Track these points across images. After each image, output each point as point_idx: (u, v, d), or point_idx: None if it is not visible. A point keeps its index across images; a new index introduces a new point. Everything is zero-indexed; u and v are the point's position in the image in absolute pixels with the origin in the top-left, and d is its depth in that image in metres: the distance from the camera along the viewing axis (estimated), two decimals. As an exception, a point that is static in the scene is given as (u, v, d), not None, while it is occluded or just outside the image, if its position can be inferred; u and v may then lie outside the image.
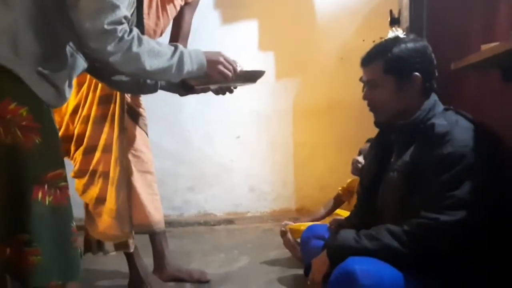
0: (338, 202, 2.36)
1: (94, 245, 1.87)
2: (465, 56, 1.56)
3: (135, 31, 1.08)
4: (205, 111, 3.03)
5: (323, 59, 3.06)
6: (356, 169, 2.13)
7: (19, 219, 1.06)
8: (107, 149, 1.73)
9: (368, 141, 2.20)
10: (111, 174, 1.73)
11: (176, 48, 1.18)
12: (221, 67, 1.28)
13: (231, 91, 1.51)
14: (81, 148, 1.76)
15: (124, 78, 1.32)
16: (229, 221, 3.11)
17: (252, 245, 2.60)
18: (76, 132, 1.77)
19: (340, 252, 1.17)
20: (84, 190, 1.78)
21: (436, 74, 1.30)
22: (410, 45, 1.26)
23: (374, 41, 2.66)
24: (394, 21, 2.45)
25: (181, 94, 1.54)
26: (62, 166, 1.13)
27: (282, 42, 3.05)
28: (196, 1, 1.96)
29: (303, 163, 3.16)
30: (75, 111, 1.77)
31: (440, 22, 1.88)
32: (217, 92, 1.53)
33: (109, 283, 2.08)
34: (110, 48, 1.04)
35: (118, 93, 1.72)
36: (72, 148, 1.79)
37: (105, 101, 1.73)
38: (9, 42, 1.02)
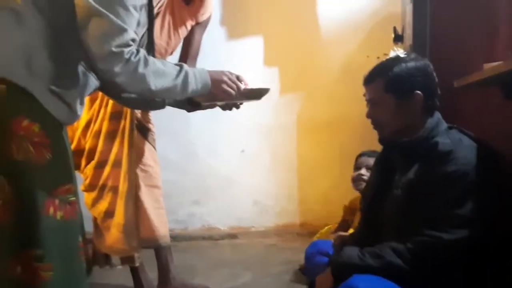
0: (345, 225, 2.34)
1: (101, 259, 1.88)
2: (467, 74, 1.58)
3: (142, 52, 1.11)
4: (210, 125, 3.05)
5: (327, 74, 3.08)
6: (359, 184, 2.13)
7: (30, 234, 1.07)
8: (117, 164, 1.77)
9: (360, 155, 2.22)
10: (120, 189, 1.76)
11: (181, 68, 1.21)
12: (225, 86, 1.32)
13: (237, 107, 1.54)
14: (93, 163, 1.80)
15: (133, 95, 1.35)
16: (233, 236, 3.11)
17: (256, 260, 2.59)
18: (87, 146, 1.81)
19: (344, 269, 1.18)
20: (93, 204, 1.81)
21: (438, 92, 1.31)
22: (411, 64, 1.28)
23: (378, 57, 2.69)
24: (398, 38, 2.48)
25: (188, 110, 1.58)
26: (72, 181, 1.15)
27: (286, 58, 3.09)
28: (206, 22, 2.01)
29: (307, 177, 3.17)
30: (87, 126, 1.81)
31: (443, 40, 1.90)
32: (224, 108, 1.56)
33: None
34: (117, 69, 1.07)
35: (128, 110, 1.76)
36: (83, 162, 1.82)
37: (116, 117, 1.77)
38: (23, 61, 1.06)
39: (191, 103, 1.49)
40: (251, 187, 3.16)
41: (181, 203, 3.11)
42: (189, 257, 2.60)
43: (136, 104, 1.44)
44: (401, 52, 2.09)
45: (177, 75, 1.19)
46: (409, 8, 2.19)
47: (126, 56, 1.06)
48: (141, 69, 1.10)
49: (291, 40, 3.07)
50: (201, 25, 1.98)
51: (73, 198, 1.14)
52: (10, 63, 1.05)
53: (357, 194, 2.26)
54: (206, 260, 2.61)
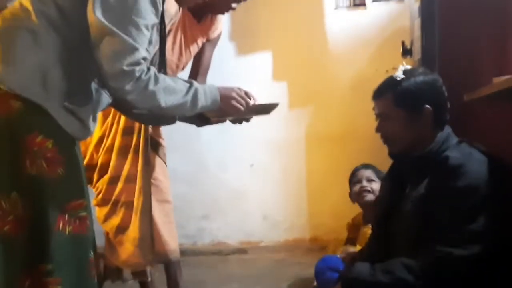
0: (350, 242, 2.32)
1: (113, 273, 1.88)
2: (477, 88, 1.57)
3: (152, 70, 1.13)
4: (220, 139, 3.07)
5: (336, 88, 3.09)
6: (365, 196, 2.11)
7: (41, 249, 1.08)
8: (130, 179, 1.78)
9: (354, 171, 2.21)
10: (135, 204, 1.77)
11: (191, 85, 1.23)
12: (234, 102, 1.33)
13: (247, 120, 1.57)
14: (105, 178, 1.81)
15: (144, 111, 1.37)
16: (243, 251, 3.09)
17: (265, 275, 2.57)
18: (99, 161, 1.83)
19: (354, 285, 1.17)
20: (106, 219, 1.82)
21: (448, 106, 1.31)
22: (419, 78, 1.28)
23: (387, 71, 2.70)
24: (406, 52, 2.48)
25: (198, 125, 1.60)
26: (84, 196, 1.16)
27: (295, 72, 3.10)
28: (217, 39, 2.04)
29: (316, 192, 3.16)
30: (100, 141, 1.83)
31: (452, 54, 1.90)
32: (234, 122, 1.58)
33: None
34: (128, 87, 1.08)
35: (141, 125, 1.78)
36: (95, 177, 1.84)
37: (128, 132, 1.79)
38: (39, 79, 1.08)
39: (201, 118, 1.51)
40: (261, 201, 3.16)
41: (191, 218, 3.11)
42: (198, 272, 2.59)
43: (147, 119, 1.46)
44: (409, 67, 2.10)
45: (187, 92, 1.20)
46: (417, 22, 2.20)
47: (137, 74, 1.08)
48: (151, 86, 1.11)
49: (299, 55, 3.09)
50: (211, 42, 2.01)
51: (84, 213, 1.15)
52: (26, 81, 1.08)
53: (360, 210, 2.24)
54: (216, 275, 2.59)
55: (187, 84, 1.22)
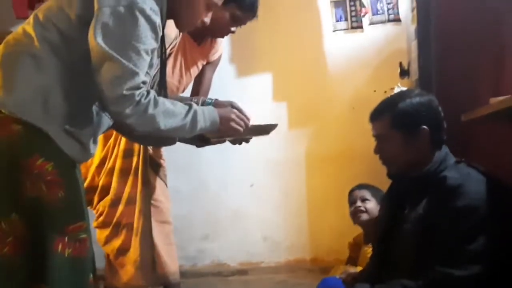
0: (352, 262, 2.31)
1: None
2: (474, 108, 1.59)
3: (152, 93, 1.14)
4: (221, 159, 3.07)
5: (335, 108, 3.11)
6: (360, 217, 2.12)
7: (39, 270, 1.08)
8: (130, 201, 1.79)
9: (350, 191, 2.23)
10: (135, 225, 1.78)
11: (190, 107, 1.24)
12: (233, 124, 1.35)
13: (247, 141, 1.58)
14: (107, 200, 1.82)
15: (144, 133, 1.38)
16: (243, 272, 3.06)
17: (266, 297, 2.54)
18: (100, 183, 1.83)
19: (355, 306, 1.16)
20: (107, 242, 1.82)
21: (445, 126, 1.32)
22: (416, 99, 1.30)
23: (385, 92, 2.73)
24: (404, 73, 2.52)
25: (198, 146, 1.61)
26: (84, 218, 1.17)
27: (294, 93, 3.13)
28: (217, 61, 2.08)
29: (317, 212, 3.14)
30: (101, 163, 1.84)
31: (448, 75, 1.93)
32: (233, 142, 1.60)
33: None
34: (128, 111, 1.10)
35: (140, 147, 1.80)
36: (96, 199, 1.85)
37: (128, 154, 1.80)
38: (41, 103, 1.10)
39: (201, 139, 1.52)
40: (261, 221, 3.14)
41: (191, 239, 3.09)
42: (199, 294, 2.56)
43: (147, 141, 1.48)
44: (405, 88, 2.12)
45: (186, 114, 1.22)
46: (414, 44, 2.24)
47: (137, 98, 1.10)
48: (151, 110, 1.13)
49: (299, 76, 3.13)
50: (211, 64, 2.05)
51: (84, 236, 1.15)
52: (27, 104, 1.09)
53: (361, 230, 2.24)
54: (216, 297, 2.56)
55: (186, 106, 1.24)
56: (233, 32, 1.90)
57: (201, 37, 1.93)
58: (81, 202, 1.18)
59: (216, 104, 1.49)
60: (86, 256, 1.16)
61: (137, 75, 1.09)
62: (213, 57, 2.03)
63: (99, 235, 1.85)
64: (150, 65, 1.23)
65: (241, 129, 1.36)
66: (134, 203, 1.79)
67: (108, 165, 1.83)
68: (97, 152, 1.80)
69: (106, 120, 1.24)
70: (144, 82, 1.12)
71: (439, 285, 1.10)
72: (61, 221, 1.11)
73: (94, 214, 1.87)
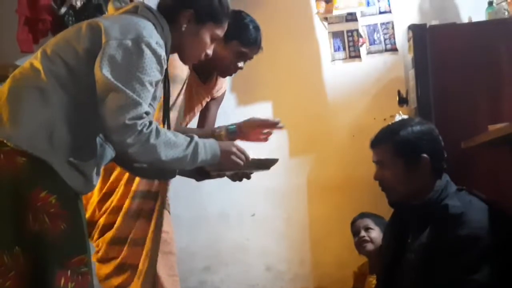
0: None
1: None
2: (473, 135, 1.61)
3: (154, 124, 1.16)
4: (221, 189, 3.06)
5: (336, 136, 3.13)
6: (365, 247, 2.10)
7: None
8: (136, 243, 1.72)
9: (353, 222, 2.22)
10: (140, 267, 1.71)
11: (191, 139, 1.25)
12: (233, 157, 1.36)
13: (248, 177, 1.59)
14: (107, 237, 1.76)
15: (144, 165, 1.38)
16: (246, 303, 3.01)
17: (269, 329, 2.49)
18: (102, 221, 1.76)
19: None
20: (106, 278, 1.77)
21: (445, 154, 1.33)
22: (416, 128, 1.31)
23: (384, 119, 2.75)
24: (403, 101, 2.55)
25: (197, 180, 1.62)
26: (85, 252, 1.16)
27: (295, 122, 3.15)
28: (221, 97, 2.08)
29: (319, 240, 3.11)
30: (104, 198, 1.78)
31: (446, 103, 1.95)
32: (233, 178, 1.62)
33: None
34: (129, 140, 1.11)
35: (160, 190, 1.74)
36: (96, 235, 1.81)
37: (143, 196, 1.73)
38: (45, 136, 1.11)
39: (200, 173, 1.53)
40: (263, 252, 3.10)
41: (192, 270, 3.04)
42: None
43: (147, 174, 1.47)
44: (406, 116, 2.15)
45: (188, 146, 1.23)
46: (411, 72, 2.27)
47: (139, 128, 1.11)
48: (152, 140, 1.14)
49: (299, 105, 3.16)
50: (216, 100, 2.05)
51: (86, 269, 1.14)
52: (33, 137, 1.11)
53: (365, 259, 2.22)
54: (218, 330, 2.50)
55: (188, 138, 1.25)
56: (241, 68, 1.89)
57: (206, 75, 1.92)
58: (83, 235, 1.18)
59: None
60: None
61: (140, 105, 1.11)
62: (218, 94, 2.04)
63: (99, 270, 1.80)
64: (154, 97, 1.26)
65: (241, 162, 1.37)
66: (142, 244, 1.72)
67: (113, 203, 1.76)
68: (98, 186, 1.77)
69: (110, 152, 1.25)
70: (147, 113, 1.13)
71: (446, 316, 1.08)
72: (64, 254, 1.11)
73: (94, 248, 1.84)
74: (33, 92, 1.13)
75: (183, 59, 1.38)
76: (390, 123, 1.44)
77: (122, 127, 1.09)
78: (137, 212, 1.74)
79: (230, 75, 1.94)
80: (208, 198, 3.13)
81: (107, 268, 1.76)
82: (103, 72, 1.10)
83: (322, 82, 3.14)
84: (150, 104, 1.22)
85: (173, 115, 1.74)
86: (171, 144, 1.19)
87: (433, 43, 2.00)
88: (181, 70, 1.74)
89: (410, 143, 1.29)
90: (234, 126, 1.89)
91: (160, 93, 1.32)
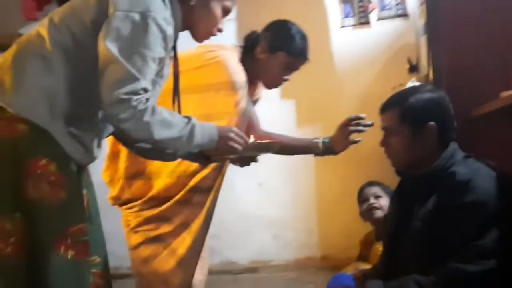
0: (362, 259, 2.30)
1: None
2: (485, 103, 1.57)
3: (151, 101, 1.13)
4: (228, 159, 3.08)
5: (344, 106, 3.10)
6: (374, 213, 2.10)
7: (40, 271, 1.08)
8: (180, 225, 1.72)
9: (361, 189, 2.21)
10: (179, 251, 1.71)
11: (189, 120, 1.23)
12: (231, 143, 1.33)
13: (255, 161, 1.57)
14: (146, 214, 1.73)
15: (145, 145, 1.37)
16: (253, 270, 3.07)
17: (277, 294, 2.55)
18: (145, 207, 1.74)
19: (366, 304, 1.15)
20: (136, 248, 1.75)
21: (455, 123, 1.31)
22: (426, 95, 1.28)
23: (393, 88, 2.71)
24: (413, 69, 2.50)
25: (201, 163, 1.59)
26: (85, 221, 1.16)
27: (303, 91, 3.12)
28: (256, 102, 2.00)
29: (326, 210, 3.14)
30: (131, 177, 1.75)
31: (458, 70, 1.90)
32: (240, 164, 1.62)
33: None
34: (123, 115, 1.09)
35: (216, 185, 1.73)
36: (127, 207, 1.78)
37: (196, 190, 1.72)
38: (47, 105, 1.11)
39: (203, 157, 1.51)
40: (270, 221, 3.14)
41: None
42: (209, 292, 2.57)
43: (148, 154, 1.46)
44: (418, 83, 2.11)
45: (184, 127, 1.21)
46: (423, 39, 2.22)
47: (134, 104, 1.09)
48: (147, 117, 1.12)
49: (307, 73, 3.06)
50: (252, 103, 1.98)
51: (85, 238, 1.14)
52: (34, 105, 1.10)
53: (371, 228, 2.23)
54: (226, 295, 2.57)
55: (186, 119, 1.23)
56: (286, 80, 1.82)
57: (250, 81, 1.81)
58: (83, 204, 1.18)
59: None
60: (87, 260, 1.15)
61: (137, 81, 1.09)
62: (254, 98, 1.98)
63: (128, 238, 1.78)
64: (161, 76, 1.24)
65: (240, 147, 1.34)
66: (185, 227, 1.72)
67: (159, 193, 1.72)
68: (123, 165, 1.75)
69: (111, 126, 1.24)
70: (144, 89, 1.11)
71: (452, 281, 1.08)
72: (63, 222, 1.11)
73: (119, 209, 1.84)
74: (37, 60, 1.12)
75: (196, 36, 1.35)
76: (401, 90, 1.41)
77: (116, 101, 1.08)
78: (187, 201, 1.73)
79: (276, 87, 1.87)
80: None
81: (137, 238, 1.77)
82: (106, 43, 1.08)
83: (330, 50, 3.09)
84: (156, 81, 1.20)
85: (234, 121, 1.68)
86: (166, 123, 1.17)
87: (446, 7, 1.93)
88: (240, 76, 1.69)
89: (418, 110, 1.26)
90: (328, 139, 1.86)
91: (167, 71, 1.30)
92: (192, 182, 1.72)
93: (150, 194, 1.75)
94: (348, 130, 1.78)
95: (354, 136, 1.80)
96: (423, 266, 1.17)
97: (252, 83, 1.86)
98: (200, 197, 1.74)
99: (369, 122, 1.69)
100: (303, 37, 1.81)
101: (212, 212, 1.78)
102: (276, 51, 1.74)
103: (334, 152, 1.84)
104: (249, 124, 1.86)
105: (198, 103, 1.70)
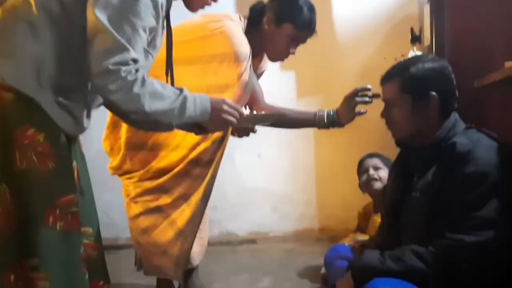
0: (360, 231, 2.32)
1: (138, 262, 1.87)
2: (488, 73, 1.55)
3: (141, 72, 1.10)
4: (227, 131, 3.06)
5: (344, 77, 3.06)
6: (373, 185, 2.10)
7: (28, 243, 1.07)
8: (179, 197, 1.73)
9: (361, 161, 2.20)
10: (178, 224, 1.73)
11: (181, 92, 1.20)
12: (225, 116, 1.30)
13: (253, 131, 1.55)
14: (147, 185, 1.73)
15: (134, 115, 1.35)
16: (252, 241, 3.10)
17: (275, 265, 2.58)
18: (140, 173, 1.74)
19: (364, 273, 1.16)
20: (135, 218, 1.76)
21: (456, 94, 1.29)
22: (428, 64, 1.25)
23: (395, 59, 2.67)
24: (415, 39, 2.45)
25: (196, 133, 1.58)
26: (75, 191, 1.15)
27: (302, 62, 3.06)
28: (260, 75, 1.98)
29: (325, 182, 3.14)
30: (132, 148, 1.75)
31: (462, 39, 1.87)
32: (239, 135, 1.62)
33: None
34: (111, 86, 1.06)
35: (216, 158, 1.73)
36: (128, 177, 1.78)
37: (198, 163, 1.72)
38: (34, 72, 1.07)
39: (199, 127, 1.49)
40: (269, 192, 3.15)
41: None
42: (208, 262, 2.59)
43: (143, 125, 1.44)
44: (419, 53, 2.07)
45: (175, 99, 1.18)
46: (426, 8, 2.16)
47: (123, 74, 1.06)
48: (136, 89, 1.09)
49: (307, 44, 3.05)
50: (256, 76, 1.96)
51: (75, 209, 1.13)
52: (20, 73, 1.07)
53: (370, 199, 2.24)
54: (225, 265, 2.60)
55: (177, 91, 1.20)
56: (292, 53, 1.78)
57: (255, 52, 1.79)
58: (72, 175, 1.16)
59: None
60: (78, 230, 1.14)
61: (126, 51, 1.06)
62: (260, 70, 1.96)
63: (128, 208, 1.80)
64: (153, 46, 1.20)
65: (233, 120, 1.31)
66: (184, 199, 1.73)
67: (159, 164, 1.73)
68: (124, 134, 1.74)
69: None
70: (134, 60, 1.08)
71: (450, 251, 1.09)
72: (52, 193, 1.09)
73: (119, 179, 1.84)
74: (23, 26, 1.08)
75: (189, 5, 1.31)
76: (402, 60, 1.38)
77: (104, 72, 1.05)
78: (186, 173, 1.72)
79: (282, 59, 1.83)
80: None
81: (137, 208, 1.78)
82: (95, 11, 1.04)
83: (331, 19, 3.02)
84: (149, 52, 1.16)
85: (237, 93, 1.67)
86: (157, 95, 1.14)
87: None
88: (244, 48, 1.65)
89: (419, 80, 1.24)
90: (333, 111, 1.87)
91: (160, 42, 1.26)
92: (192, 155, 1.71)
93: (152, 165, 1.75)
94: (354, 101, 1.76)
95: (360, 108, 1.78)
96: (421, 237, 1.18)
97: (257, 55, 1.83)
98: (200, 170, 1.74)
99: (376, 93, 1.67)
100: (311, 8, 1.76)
101: (212, 185, 1.78)
102: (282, 23, 1.70)
103: (340, 124, 1.83)
104: (252, 97, 1.84)
105: (201, 74, 1.67)
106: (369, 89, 1.74)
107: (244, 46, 1.65)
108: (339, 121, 1.83)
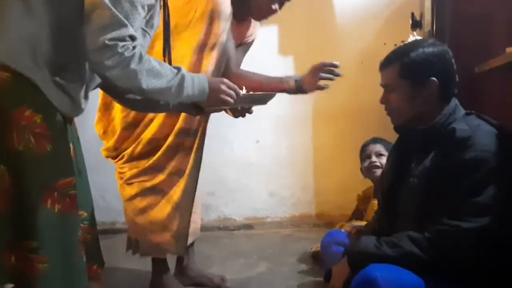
0: (358, 214, 2.33)
1: (133, 245, 1.88)
2: (489, 59, 1.53)
3: (138, 49, 1.09)
4: (225, 114, 3.04)
5: (343, 63, 3.00)
6: (375, 172, 2.09)
7: (26, 225, 1.06)
8: (174, 173, 1.75)
9: (364, 145, 2.19)
10: (174, 198, 1.75)
11: (178, 71, 1.19)
12: (222, 96, 1.30)
13: (249, 112, 1.56)
14: (143, 165, 1.75)
15: (136, 97, 1.33)
16: (249, 226, 3.11)
17: (271, 250, 2.59)
18: (136, 150, 1.75)
19: (361, 259, 1.16)
20: (130, 199, 1.78)
21: (457, 79, 1.27)
22: (428, 49, 1.23)
23: (395, 44, 2.62)
24: (416, 24, 2.42)
25: (194, 114, 1.58)
26: (73, 174, 1.14)
27: (301, 46, 3.05)
28: (250, 44, 1.98)
29: (322, 168, 3.14)
30: (128, 128, 1.75)
31: (463, 24, 1.84)
32: (235, 115, 1.62)
33: (129, 285, 2.10)
34: (108, 62, 1.04)
35: (200, 127, 1.74)
36: (121, 158, 1.79)
37: (185, 132, 1.73)
38: (29, 51, 1.05)
39: (196, 107, 1.48)
40: (267, 178, 3.15)
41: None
42: (205, 247, 2.61)
43: (140, 106, 1.42)
44: (419, 38, 2.04)
45: (173, 77, 1.17)
46: (427, -8, 2.13)
47: (120, 50, 1.04)
48: (133, 65, 1.07)
49: (306, 28, 3.03)
50: (245, 46, 1.96)
51: (73, 191, 1.12)
52: (16, 52, 1.05)
53: (370, 183, 2.24)
54: (222, 250, 2.62)
55: (175, 70, 1.18)
56: (275, 11, 1.78)
57: (241, 16, 1.80)
58: (70, 157, 1.15)
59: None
60: (76, 213, 1.14)
61: (124, 27, 1.04)
62: (248, 39, 1.94)
63: (122, 190, 1.81)
64: (151, 26, 1.18)
65: (231, 100, 1.32)
66: (179, 175, 1.76)
67: (148, 135, 1.74)
68: (120, 114, 1.73)
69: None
70: (132, 37, 1.06)
71: (446, 237, 1.09)
72: (50, 176, 1.08)
73: (114, 164, 1.84)
74: (18, 4, 1.05)
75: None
76: (402, 44, 1.36)
77: (101, 47, 1.03)
78: (177, 146, 1.74)
79: (265, 17, 1.83)
80: (212, 124, 3.12)
81: (132, 189, 1.79)
82: None
83: (331, 3, 2.98)
84: (146, 31, 1.15)
85: (215, 54, 1.68)
86: (154, 72, 1.12)
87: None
88: (225, 6, 1.64)
89: (419, 65, 1.22)
90: (300, 77, 1.89)
91: (158, 21, 1.24)
92: (179, 124, 1.72)
93: (142, 137, 1.75)
94: (319, 75, 1.78)
95: (323, 83, 1.81)
96: (417, 223, 1.17)
97: (244, 20, 1.83)
98: (188, 142, 1.75)
99: (339, 72, 1.80)
100: None
101: (201, 154, 1.80)
102: None
103: (303, 91, 1.88)
104: (226, 62, 1.84)
105: (189, 39, 1.67)
106: (336, 66, 1.81)
107: (225, 5, 1.65)
108: (303, 88, 1.88)
